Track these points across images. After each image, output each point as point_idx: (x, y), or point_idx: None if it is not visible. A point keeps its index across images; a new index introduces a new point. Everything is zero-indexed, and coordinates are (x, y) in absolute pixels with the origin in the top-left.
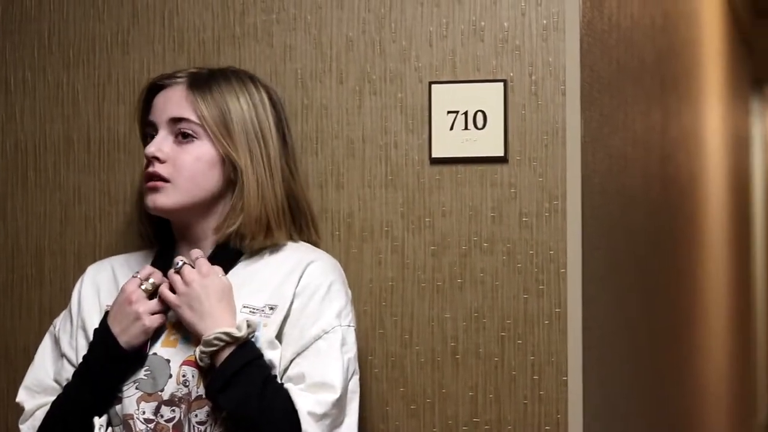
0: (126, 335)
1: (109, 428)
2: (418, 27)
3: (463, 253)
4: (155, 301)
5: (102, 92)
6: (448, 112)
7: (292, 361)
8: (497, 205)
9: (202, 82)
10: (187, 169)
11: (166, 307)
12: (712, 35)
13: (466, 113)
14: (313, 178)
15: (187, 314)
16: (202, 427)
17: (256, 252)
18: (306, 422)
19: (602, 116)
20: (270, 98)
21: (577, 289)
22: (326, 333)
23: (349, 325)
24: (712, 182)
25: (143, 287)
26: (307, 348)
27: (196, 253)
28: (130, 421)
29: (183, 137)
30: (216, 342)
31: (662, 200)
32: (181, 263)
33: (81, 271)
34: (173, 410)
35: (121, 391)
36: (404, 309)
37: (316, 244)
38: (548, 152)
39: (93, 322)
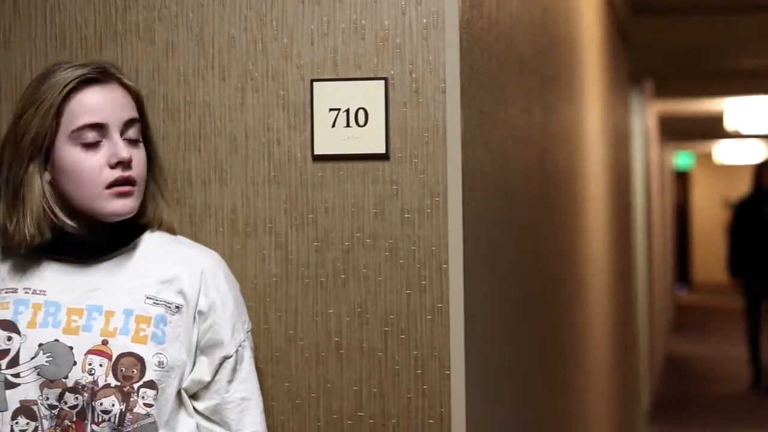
0: None
1: None
2: (299, 25)
3: (346, 249)
4: None
5: None
6: (330, 110)
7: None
8: (379, 201)
9: (124, 79)
10: (142, 171)
11: None
12: (591, 31)
13: (347, 111)
14: (197, 175)
15: None
16: (106, 416)
17: (140, 238)
18: None
19: (482, 113)
20: None
21: (458, 284)
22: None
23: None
24: (592, 176)
25: None
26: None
27: None
28: (34, 407)
29: (135, 139)
30: None
31: (542, 195)
32: None
33: None
34: (77, 398)
35: (18, 375)
36: (288, 305)
37: (190, 237)
38: (429, 149)
39: None
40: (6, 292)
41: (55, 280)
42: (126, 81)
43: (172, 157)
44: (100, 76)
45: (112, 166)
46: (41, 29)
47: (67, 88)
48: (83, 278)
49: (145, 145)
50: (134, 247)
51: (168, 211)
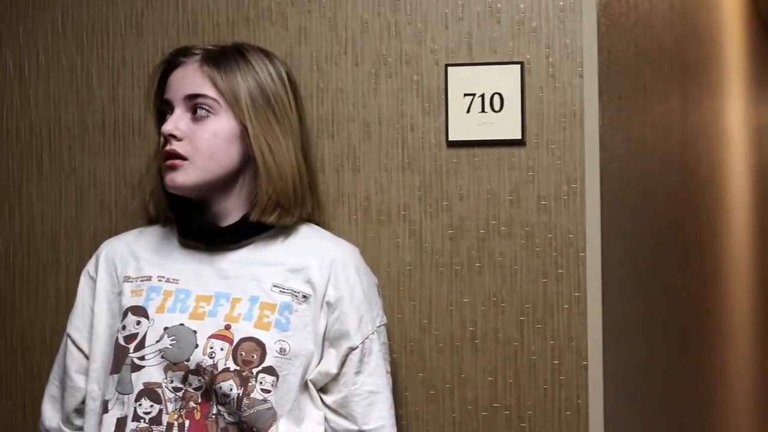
0: None
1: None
2: (433, 9)
3: (482, 237)
4: None
5: (116, 76)
6: (465, 95)
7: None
8: (515, 188)
9: (217, 56)
10: (205, 146)
11: None
12: (733, 25)
13: (482, 96)
14: (330, 162)
15: None
16: (227, 399)
17: (280, 229)
18: None
19: (620, 99)
20: (288, 74)
21: (596, 273)
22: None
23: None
24: (735, 172)
25: None
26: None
27: None
28: (158, 390)
29: (199, 113)
30: None
31: (682, 187)
32: None
33: None
34: (200, 380)
35: (143, 358)
36: (422, 293)
37: (323, 225)
38: (566, 135)
39: (101, 308)
40: (141, 280)
41: (187, 269)
42: (211, 64)
43: None
44: (199, 55)
45: (162, 143)
46: (173, 16)
47: (158, 71)
48: (214, 266)
49: (243, 133)
50: (268, 237)
51: (271, 201)
